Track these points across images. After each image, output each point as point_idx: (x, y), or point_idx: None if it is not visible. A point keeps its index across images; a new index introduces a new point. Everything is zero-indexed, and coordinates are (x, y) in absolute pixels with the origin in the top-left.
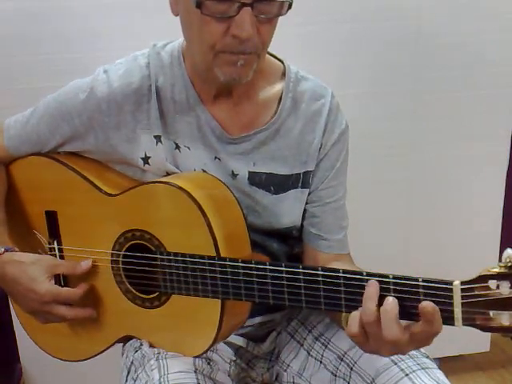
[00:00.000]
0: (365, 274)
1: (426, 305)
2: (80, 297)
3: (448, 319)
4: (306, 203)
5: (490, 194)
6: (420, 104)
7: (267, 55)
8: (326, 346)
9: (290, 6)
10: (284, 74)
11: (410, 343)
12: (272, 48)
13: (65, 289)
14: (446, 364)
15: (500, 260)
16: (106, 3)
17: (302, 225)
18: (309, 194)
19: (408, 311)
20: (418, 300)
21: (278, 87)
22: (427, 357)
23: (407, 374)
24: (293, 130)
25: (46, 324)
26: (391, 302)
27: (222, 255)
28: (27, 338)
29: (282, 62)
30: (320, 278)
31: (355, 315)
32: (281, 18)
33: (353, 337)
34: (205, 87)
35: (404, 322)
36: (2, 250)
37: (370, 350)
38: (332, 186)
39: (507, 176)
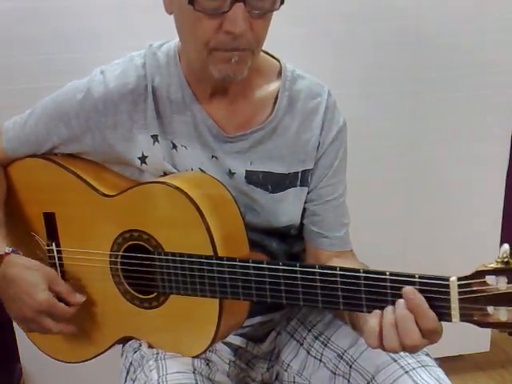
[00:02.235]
0: (362, 271)
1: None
2: (72, 315)
3: (445, 315)
4: (306, 202)
5: (490, 194)
6: (420, 104)
7: (263, 54)
8: (325, 345)
9: (282, 1)
10: (280, 72)
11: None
12: (273, 48)
13: (61, 304)
14: (446, 364)
15: None
16: (106, 3)
17: (302, 223)
18: (308, 192)
19: None
20: None
21: (274, 86)
22: (427, 354)
23: (407, 372)
24: (289, 128)
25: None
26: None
27: (220, 255)
28: (27, 338)
29: (279, 61)
30: (317, 277)
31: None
32: (281, 19)
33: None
34: (201, 86)
35: None
36: (10, 249)
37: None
38: (331, 184)
39: (507, 176)
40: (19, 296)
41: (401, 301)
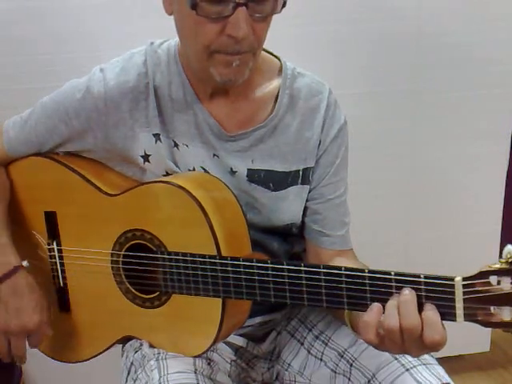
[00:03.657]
0: (367, 271)
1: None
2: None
3: (449, 315)
4: (308, 200)
5: (490, 194)
6: (420, 104)
7: (264, 52)
8: (326, 344)
9: (284, 4)
10: (281, 70)
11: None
12: (273, 48)
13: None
14: (446, 364)
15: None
16: (105, 3)
17: (303, 222)
18: (310, 190)
19: None
20: (419, 296)
21: (274, 84)
22: (427, 352)
23: (408, 369)
24: (290, 126)
25: None
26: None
27: (223, 254)
28: None
29: (279, 59)
30: (322, 276)
31: (367, 322)
32: (281, 19)
33: (370, 343)
34: (201, 85)
35: None
36: (27, 264)
37: (383, 349)
38: (333, 183)
39: (507, 176)
40: (18, 308)
41: (405, 288)
